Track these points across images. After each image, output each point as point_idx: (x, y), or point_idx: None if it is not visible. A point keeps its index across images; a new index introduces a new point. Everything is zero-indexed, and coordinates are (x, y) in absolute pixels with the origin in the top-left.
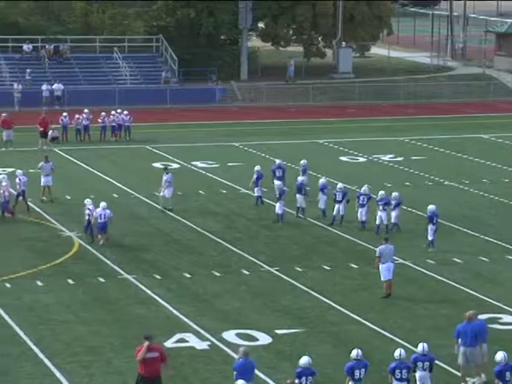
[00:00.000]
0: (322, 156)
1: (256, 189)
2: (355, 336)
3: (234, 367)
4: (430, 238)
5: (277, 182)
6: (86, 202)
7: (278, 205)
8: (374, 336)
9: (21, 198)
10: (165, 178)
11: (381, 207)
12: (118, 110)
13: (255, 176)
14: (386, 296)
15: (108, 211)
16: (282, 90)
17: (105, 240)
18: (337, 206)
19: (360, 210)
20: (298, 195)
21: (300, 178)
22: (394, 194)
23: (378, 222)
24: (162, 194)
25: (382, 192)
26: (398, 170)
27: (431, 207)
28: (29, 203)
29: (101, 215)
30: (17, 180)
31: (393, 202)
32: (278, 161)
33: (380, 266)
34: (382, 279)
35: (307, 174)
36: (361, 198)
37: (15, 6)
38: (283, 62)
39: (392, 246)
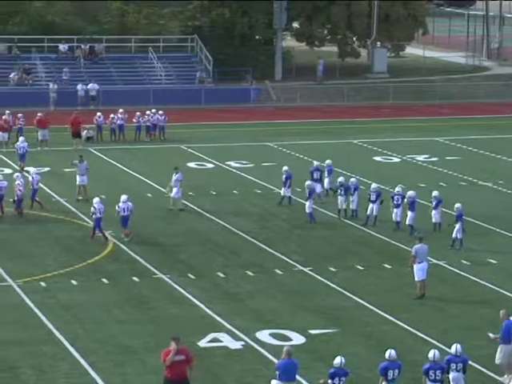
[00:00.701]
0: (356, 156)
1: (283, 189)
2: (389, 336)
3: (276, 366)
4: (459, 236)
5: (309, 183)
6: (94, 200)
7: (307, 204)
8: (407, 336)
9: (35, 196)
10: (175, 177)
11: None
12: (153, 110)
13: (284, 176)
14: (420, 297)
15: (130, 203)
16: (317, 89)
17: (128, 234)
18: (371, 206)
19: (395, 210)
20: (339, 197)
21: (340, 179)
22: (435, 193)
23: (407, 222)
24: (172, 194)
25: (398, 189)
26: (433, 170)
27: (459, 205)
28: (54, 201)
29: (124, 209)
30: (29, 178)
31: (434, 202)
32: (315, 162)
33: (414, 265)
34: (416, 279)
35: (332, 174)
36: (395, 198)
37: (51, 6)
38: (317, 61)
39: (426, 245)
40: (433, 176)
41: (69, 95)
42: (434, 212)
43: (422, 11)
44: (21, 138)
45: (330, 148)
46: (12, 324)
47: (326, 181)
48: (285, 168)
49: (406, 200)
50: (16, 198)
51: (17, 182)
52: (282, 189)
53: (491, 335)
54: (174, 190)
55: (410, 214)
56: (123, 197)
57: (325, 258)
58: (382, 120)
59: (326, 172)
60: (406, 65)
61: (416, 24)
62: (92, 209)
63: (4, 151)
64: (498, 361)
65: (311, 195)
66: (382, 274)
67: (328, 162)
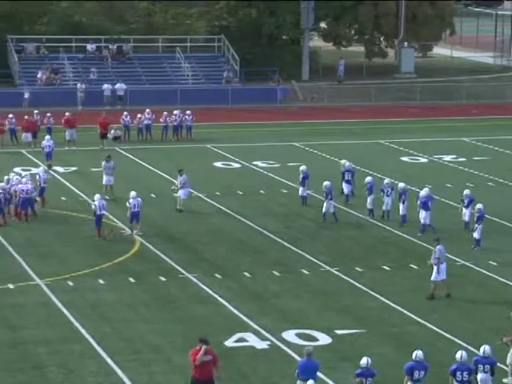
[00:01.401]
0: (383, 156)
1: (301, 189)
2: (416, 337)
3: (297, 366)
4: (477, 236)
5: (327, 183)
6: (95, 197)
7: (325, 205)
8: (434, 337)
9: (42, 195)
10: (180, 179)
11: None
12: (175, 112)
13: (301, 176)
14: (447, 295)
15: (139, 199)
16: (343, 90)
17: (139, 230)
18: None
19: (422, 211)
20: (368, 197)
21: (368, 179)
22: (466, 191)
23: (422, 221)
24: (178, 194)
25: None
26: (460, 170)
27: (480, 206)
28: (81, 200)
29: (134, 205)
30: (37, 177)
31: (466, 200)
32: (347, 163)
33: (441, 265)
34: (440, 279)
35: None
36: (422, 199)
37: (79, 6)
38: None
39: (443, 246)
40: (460, 176)
41: (96, 95)
42: (465, 211)
43: (449, 11)
44: (46, 137)
45: (357, 148)
46: (39, 323)
47: (369, 180)
48: (302, 168)
49: (418, 201)
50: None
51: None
52: (300, 189)
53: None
54: (181, 191)
55: (424, 213)
56: (132, 193)
57: (351, 259)
58: (409, 120)
59: (341, 174)
60: (434, 65)
61: (443, 24)
62: (93, 206)
63: (30, 151)
64: (508, 359)
65: (328, 195)
66: (408, 274)
67: (344, 161)
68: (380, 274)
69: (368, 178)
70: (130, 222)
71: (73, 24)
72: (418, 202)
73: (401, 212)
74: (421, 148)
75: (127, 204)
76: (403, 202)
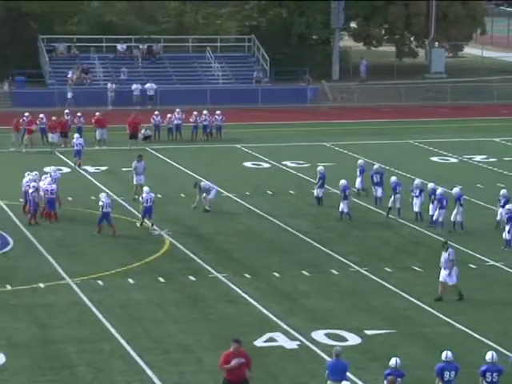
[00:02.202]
0: (413, 156)
1: (317, 190)
2: (445, 338)
3: (326, 366)
4: (508, 237)
5: (343, 182)
6: (100, 195)
7: (341, 205)
8: (464, 338)
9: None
10: (203, 185)
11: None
12: (204, 112)
13: (318, 176)
14: (459, 298)
15: (152, 194)
16: (373, 90)
17: (151, 225)
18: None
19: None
20: (392, 196)
21: (393, 178)
22: (503, 191)
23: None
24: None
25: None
26: (491, 170)
27: (510, 207)
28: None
29: (147, 199)
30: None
31: (502, 200)
32: (375, 165)
33: (454, 268)
34: (453, 283)
35: (363, 174)
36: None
37: (109, 6)
38: (375, 62)
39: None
40: (490, 176)
41: (126, 95)
42: (500, 210)
43: (480, 11)
44: (76, 135)
45: (387, 148)
46: (69, 322)
47: (358, 180)
48: (319, 168)
49: (502, 200)
50: (29, 202)
51: (32, 185)
52: (317, 190)
53: None
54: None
55: (438, 210)
56: (145, 188)
57: (381, 259)
58: (440, 120)
59: (358, 172)
60: (464, 65)
61: (474, 24)
62: (100, 202)
63: (61, 151)
64: None
65: (345, 193)
66: (438, 274)
67: (360, 161)
68: (409, 275)
69: (393, 178)
70: (142, 218)
71: (103, 24)
72: (502, 201)
73: (431, 212)
74: (451, 148)
75: (140, 199)
76: (432, 202)
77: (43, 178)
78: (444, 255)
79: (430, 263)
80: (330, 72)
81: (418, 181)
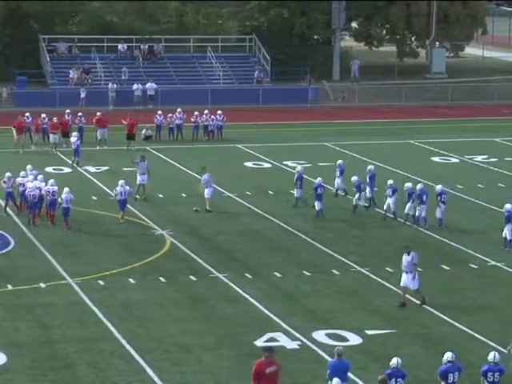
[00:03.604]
0: (414, 156)
1: (296, 190)
2: (446, 338)
3: (328, 366)
4: (509, 237)
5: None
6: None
7: (316, 203)
8: (465, 338)
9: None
10: (204, 177)
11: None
12: (208, 110)
13: (296, 176)
14: (422, 303)
15: (128, 187)
16: (374, 90)
17: (122, 217)
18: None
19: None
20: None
21: (389, 182)
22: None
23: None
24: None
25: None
26: (491, 170)
27: (509, 206)
28: (112, 200)
29: (121, 193)
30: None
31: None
32: (390, 181)
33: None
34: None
35: (344, 175)
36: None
37: (111, 6)
38: (376, 62)
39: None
40: (491, 176)
41: (127, 95)
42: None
43: (481, 11)
44: (73, 133)
45: (388, 148)
46: (70, 322)
47: (338, 181)
48: (298, 168)
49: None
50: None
51: (29, 184)
52: (295, 190)
53: None
54: (206, 190)
55: (419, 206)
56: (120, 181)
57: (382, 259)
58: (441, 120)
59: (337, 172)
60: (465, 65)
61: (475, 24)
62: (114, 191)
63: (60, 151)
64: None
65: (359, 188)
66: (439, 275)
67: (339, 162)
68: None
69: (419, 185)
70: (122, 211)
71: (104, 24)
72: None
73: (437, 215)
74: (452, 148)
75: (113, 192)
76: (409, 201)
77: (23, 176)
78: (406, 258)
79: (431, 263)
80: (331, 72)
81: (420, 185)
